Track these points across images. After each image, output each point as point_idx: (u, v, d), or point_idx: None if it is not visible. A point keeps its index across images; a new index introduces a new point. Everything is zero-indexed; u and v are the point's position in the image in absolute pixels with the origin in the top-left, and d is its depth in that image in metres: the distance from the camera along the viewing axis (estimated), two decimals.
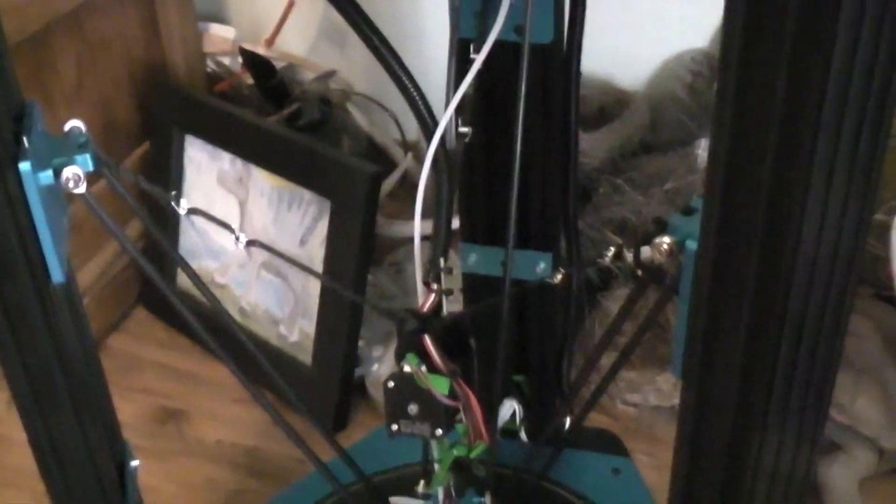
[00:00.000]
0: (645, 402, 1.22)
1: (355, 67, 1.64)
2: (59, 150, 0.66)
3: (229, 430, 1.29)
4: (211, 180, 1.35)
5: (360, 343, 1.31)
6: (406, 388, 0.86)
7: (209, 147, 1.33)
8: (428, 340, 0.84)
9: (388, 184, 1.56)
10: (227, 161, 1.32)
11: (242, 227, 1.33)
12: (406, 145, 1.66)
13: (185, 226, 1.41)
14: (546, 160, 1.02)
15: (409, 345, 0.85)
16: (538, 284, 1.05)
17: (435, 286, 0.86)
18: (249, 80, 1.56)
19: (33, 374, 0.74)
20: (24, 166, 0.62)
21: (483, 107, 0.98)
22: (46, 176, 0.64)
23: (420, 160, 1.64)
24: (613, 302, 1.28)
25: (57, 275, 0.70)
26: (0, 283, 0.69)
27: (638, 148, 1.37)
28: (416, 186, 1.61)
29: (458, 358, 0.87)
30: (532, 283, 1.04)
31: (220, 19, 1.67)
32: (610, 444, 1.19)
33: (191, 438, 1.29)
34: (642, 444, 1.20)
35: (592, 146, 1.34)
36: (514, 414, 1.14)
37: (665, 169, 1.31)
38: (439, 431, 0.88)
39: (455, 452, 0.91)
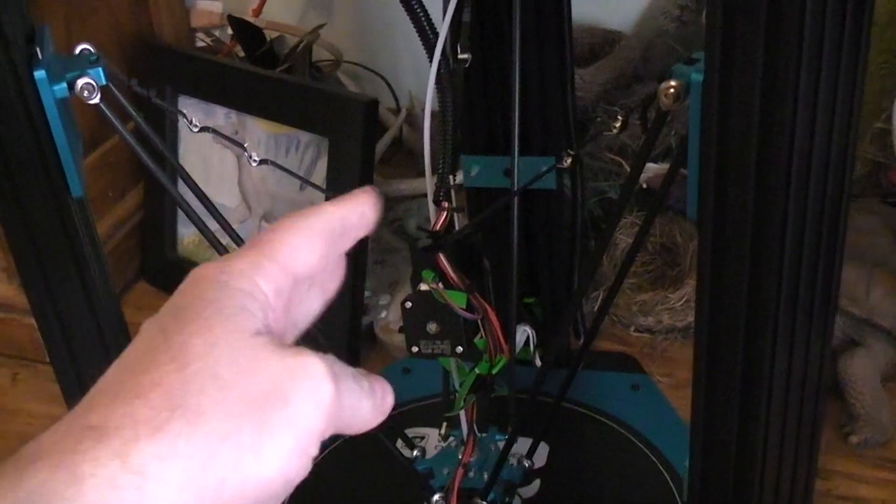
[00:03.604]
0: (658, 323, 1.21)
1: (343, 35, 1.64)
2: (72, 66, 0.67)
3: None
4: (206, 138, 1.34)
5: (367, 293, 1.30)
6: (424, 306, 0.86)
7: (203, 104, 1.32)
8: (442, 257, 0.84)
9: (381, 145, 1.55)
10: (221, 116, 1.31)
11: (241, 181, 1.32)
12: (399, 111, 1.66)
13: (183, 189, 1.39)
14: (543, 66, 1.01)
15: (423, 263, 0.85)
16: (544, 192, 1.05)
17: (445, 204, 0.86)
18: (241, 53, 1.56)
19: (54, 292, 0.74)
20: (40, 74, 0.65)
21: (480, 34, 0.99)
22: (61, 88, 0.66)
23: (414, 125, 1.64)
24: (619, 231, 1.27)
25: (76, 189, 0.70)
26: (21, 196, 0.69)
27: (631, 80, 1.37)
28: (410, 153, 1.62)
29: (473, 278, 0.86)
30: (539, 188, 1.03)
31: None
32: (626, 363, 1.18)
33: None
34: (658, 366, 1.19)
35: (586, 81, 1.34)
36: (527, 341, 1.13)
37: None
38: (459, 348, 0.87)
39: (477, 371, 0.91)
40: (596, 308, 1.24)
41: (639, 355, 1.21)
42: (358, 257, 1.21)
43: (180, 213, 1.40)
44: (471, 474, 0.97)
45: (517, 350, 1.04)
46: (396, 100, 1.66)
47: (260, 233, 0.47)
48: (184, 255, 1.42)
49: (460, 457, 0.95)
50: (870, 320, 1.07)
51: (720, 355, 0.69)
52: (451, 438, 1.04)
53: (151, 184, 1.43)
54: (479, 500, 0.95)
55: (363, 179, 1.16)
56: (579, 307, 1.16)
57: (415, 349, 0.88)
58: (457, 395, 0.93)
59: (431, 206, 0.87)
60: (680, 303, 1.19)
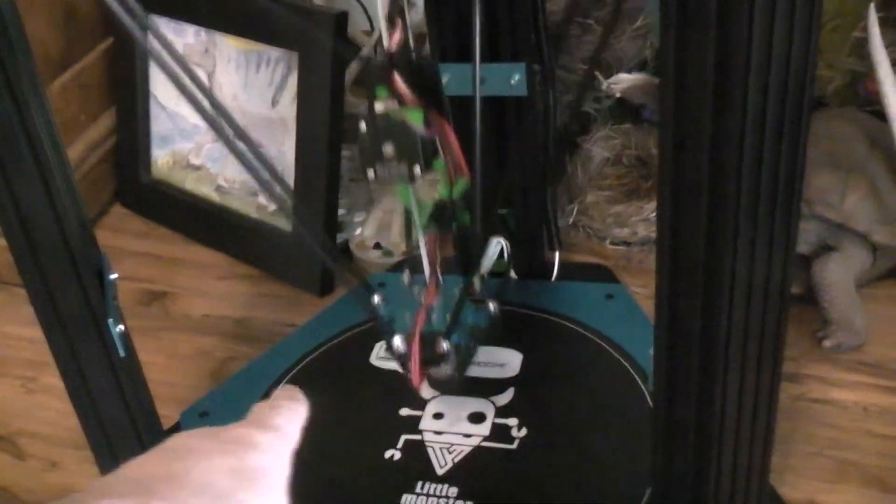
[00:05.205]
0: (633, 235, 1.20)
1: None
2: None
3: (215, 304, 1.27)
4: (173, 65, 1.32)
5: (342, 212, 1.30)
6: (379, 127, 0.83)
7: (173, 23, 1.30)
8: (397, 76, 0.81)
9: (355, 66, 1.53)
10: (191, 34, 1.29)
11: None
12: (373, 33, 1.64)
13: (156, 111, 1.38)
14: None
15: (377, 81, 0.82)
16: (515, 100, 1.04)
17: (399, 21, 0.82)
18: None
19: (23, 213, 0.74)
20: None
21: None
22: None
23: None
24: (594, 144, 1.27)
25: None
26: None
27: None
28: None
29: (430, 99, 0.84)
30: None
31: None
32: (600, 274, 1.17)
33: (177, 315, 1.27)
34: (634, 277, 1.19)
35: None
36: (501, 253, 1.12)
37: (635, 7, 1.29)
38: (417, 170, 0.84)
39: (437, 196, 0.87)
40: (571, 221, 1.24)
41: (614, 268, 1.20)
42: (331, 175, 1.20)
43: (154, 136, 1.39)
44: (434, 317, 0.91)
45: (490, 261, 1.03)
46: (371, 21, 1.64)
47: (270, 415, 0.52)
48: (158, 177, 1.41)
49: (422, 300, 0.91)
50: (844, 225, 1.07)
51: (681, 257, 0.69)
52: (415, 287, 0.97)
53: (124, 106, 1.42)
54: (443, 342, 0.89)
55: (334, 92, 1.15)
56: (553, 219, 1.15)
57: (371, 174, 0.85)
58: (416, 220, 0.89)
59: (384, 25, 0.82)
60: (655, 214, 1.18)
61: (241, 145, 0.74)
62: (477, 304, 0.93)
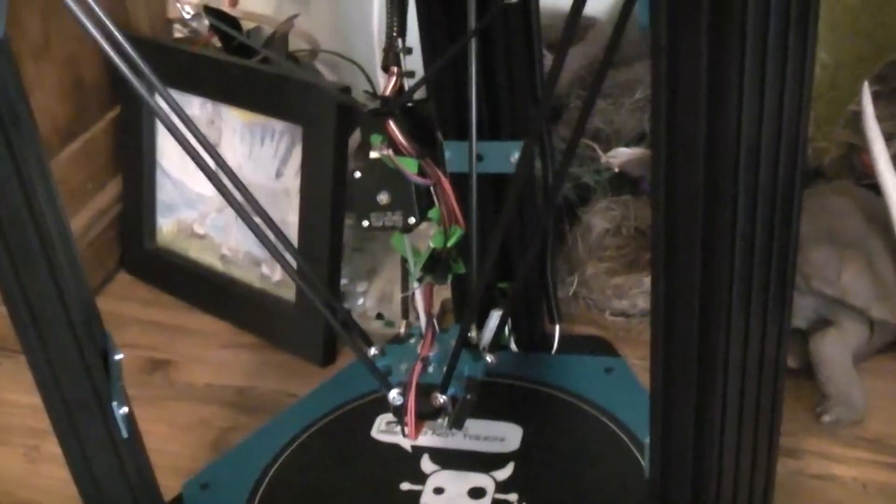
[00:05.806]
0: (633, 307, 1.21)
1: (320, 24, 1.64)
2: None
3: (218, 373, 1.28)
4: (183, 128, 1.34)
5: (344, 281, 1.30)
6: (374, 175, 0.83)
7: (178, 95, 1.32)
8: (392, 124, 0.82)
9: (356, 137, 1.55)
10: (196, 105, 1.31)
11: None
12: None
13: (161, 180, 1.40)
14: (510, 53, 1.02)
15: (372, 128, 0.83)
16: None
17: (395, 69, 0.83)
18: (218, 44, 1.56)
19: (23, 282, 0.74)
20: None
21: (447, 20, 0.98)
22: None
23: None
24: (593, 216, 1.28)
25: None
26: None
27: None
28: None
29: (425, 147, 0.85)
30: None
31: None
32: (600, 346, 1.18)
33: (180, 384, 1.27)
34: (633, 349, 1.19)
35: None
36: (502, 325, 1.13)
37: (633, 79, 1.31)
38: (412, 220, 0.85)
39: (431, 245, 0.87)
40: (571, 292, 1.25)
41: (614, 339, 1.21)
42: (334, 245, 1.21)
43: (159, 200, 1.41)
44: (430, 369, 0.91)
45: (491, 334, 1.03)
46: (374, 89, 1.66)
47: None
48: (163, 244, 1.42)
49: (419, 351, 0.91)
50: (842, 300, 1.08)
51: (675, 335, 0.70)
52: (412, 338, 0.98)
53: (130, 174, 1.44)
54: (439, 395, 0.88)
55: (337, 167, 1.17)
56: (553, 291, 1.17)
57: (365, 223, 0.85)
58: (412, 268, 0.89)
59: (380, 74, 0.84)
60: None
61: (248, 208, 0.75)
62: (474, 354, 0.93)
